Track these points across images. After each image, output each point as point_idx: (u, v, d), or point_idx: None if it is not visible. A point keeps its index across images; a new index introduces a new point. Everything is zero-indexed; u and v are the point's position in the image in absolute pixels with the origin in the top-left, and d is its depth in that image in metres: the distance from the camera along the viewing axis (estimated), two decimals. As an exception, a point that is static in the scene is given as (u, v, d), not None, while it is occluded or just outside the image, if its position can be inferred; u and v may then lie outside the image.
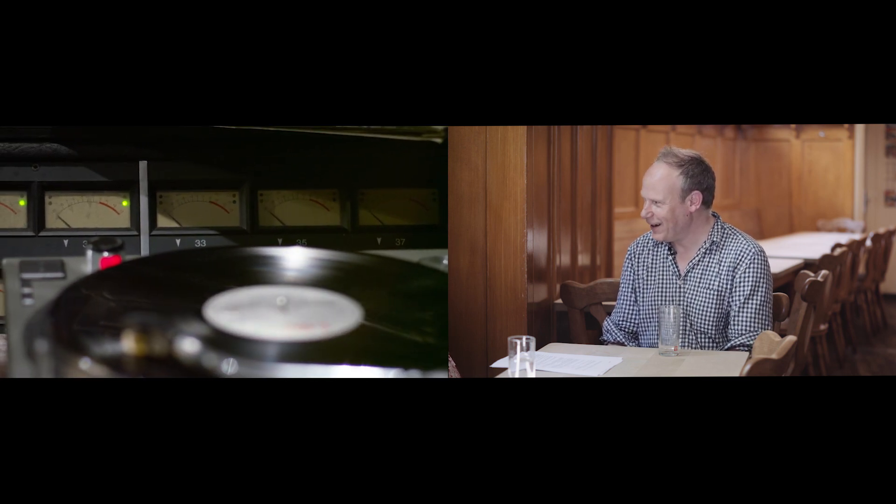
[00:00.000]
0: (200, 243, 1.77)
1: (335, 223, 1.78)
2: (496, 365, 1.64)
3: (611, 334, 1.87)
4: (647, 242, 1.84)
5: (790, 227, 4.53)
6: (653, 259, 1.82)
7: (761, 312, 1.74)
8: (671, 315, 1.63)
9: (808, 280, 2.26)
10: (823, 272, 2.38)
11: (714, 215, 1.80)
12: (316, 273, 1.46)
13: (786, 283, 2.68)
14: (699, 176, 1.77)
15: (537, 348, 1.61)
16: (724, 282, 1.75)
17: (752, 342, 1.72)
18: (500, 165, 1.89)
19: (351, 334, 1.30)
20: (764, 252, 1.78)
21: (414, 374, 1.19)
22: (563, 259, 2.13)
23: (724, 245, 1.78)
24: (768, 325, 1.75)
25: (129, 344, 1.23)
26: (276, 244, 1.69)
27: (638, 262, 1.84)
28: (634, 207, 3.11)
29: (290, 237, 1.78)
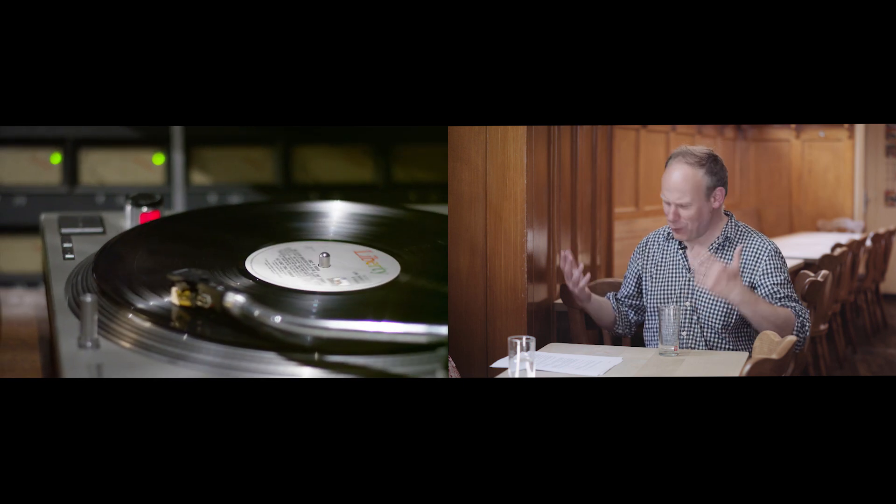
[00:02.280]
0: (235, 199, 1.78)
1: (369, 179, 1.78)
2: (496, 365, 1.64)
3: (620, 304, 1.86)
4: (658, 237, 1.84)
5: (790, 227, 4.52)
6: (662, 254, 1.82)
7: (790, 284, 1.73)
8: (671, 315, 1.63)
9: (808, 280, 2.26)
10: (823, 272, 2.37)
11: (727, 214, 1.80)
12: (356, 227, 1.47)
13: (786, 282, 2.67)
14: (720, 172, 1.76)
15: (537, 348, 1.61)
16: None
17: (795, 304, 1.70)
18: (500, 165, 1.89)
19: (392, 288, 1.30)
20: (780, 251, 1.77)
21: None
22: (564, 259, 2.13)
23: (738, 241, 1.77)
24: (798, 300, 1.73)
25: (173, 297, 1.24)
26: (309, 200, 1.69)
27: (647, 257, 1.84)
28: (634, 207, 3.11)
29: (324, 193, 1.78)
